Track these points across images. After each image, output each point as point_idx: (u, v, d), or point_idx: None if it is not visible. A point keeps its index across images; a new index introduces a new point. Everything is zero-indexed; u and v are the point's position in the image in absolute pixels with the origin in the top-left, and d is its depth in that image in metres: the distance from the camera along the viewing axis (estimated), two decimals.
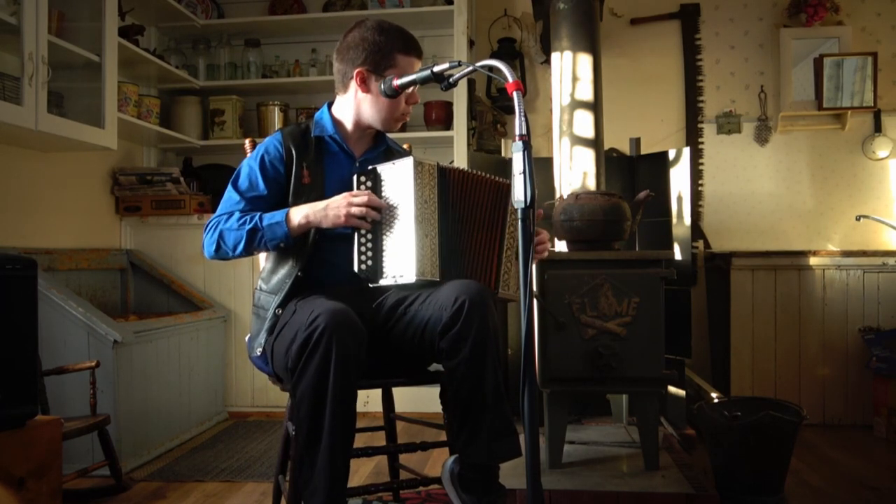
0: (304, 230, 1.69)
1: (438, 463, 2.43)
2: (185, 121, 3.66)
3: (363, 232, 1.67)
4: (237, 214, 1.71)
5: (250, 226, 1.68)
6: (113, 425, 2.43)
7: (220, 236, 1.71)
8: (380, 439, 2.23)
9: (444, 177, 1.69)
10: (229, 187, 1.78)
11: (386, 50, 1.74)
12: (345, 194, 1.66)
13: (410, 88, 1.73)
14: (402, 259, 1.64)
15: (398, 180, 1.66)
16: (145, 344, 2.78)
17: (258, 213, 1.70)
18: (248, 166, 1.78)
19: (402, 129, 3.55)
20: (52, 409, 2.31)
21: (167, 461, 2.74)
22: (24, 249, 2.69)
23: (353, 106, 1.81)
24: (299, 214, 1.67)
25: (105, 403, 2.50)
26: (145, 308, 3.38)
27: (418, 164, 1.64)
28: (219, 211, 1.77)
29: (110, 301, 3.27)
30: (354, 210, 1.63)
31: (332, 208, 1.65)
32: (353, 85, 1.79)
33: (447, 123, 3.52)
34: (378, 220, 1.66)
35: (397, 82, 1.67)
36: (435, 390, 1.68)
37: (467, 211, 1.73)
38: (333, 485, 1.45)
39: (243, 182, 1.77)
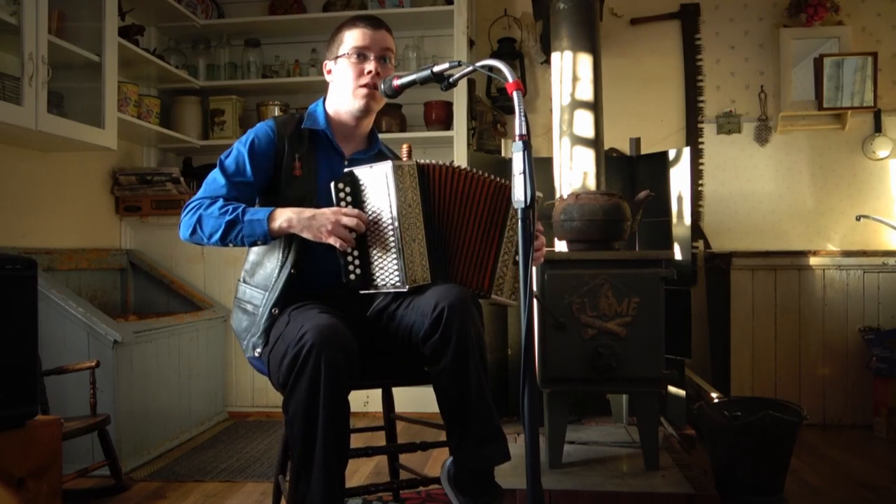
0: (284, 233, 1.63)
1: (438, 463, 2.43)
2: (185, 121, 3.65)
3: None
4: (220, 202, 1.65)
5: (230, 217, 1.61)
6: (113, 425, 2.43)
7: (199, 221, 1.64)
8: (380, 439, 2.23)
9: (426, 176, 1.65)
10: (217, 168, 1.72)
11: (335, 34, 1.83)
12: (334, 210, 1.60)
13: (369, 56, 1.76)
14: (390, 268, 1.60)
15: (377, 185, 1.60)
16: (145, 344, 2.78)
17: (242, 206, 1.63)
18: (238, 150, 1.73)
19: (402, 129, 3.55)
20: (52, 409, 2.30)
21: (167, 461, 2.74)
22: (24, 249, 2.69)
23: (331, 97, 1.85)
24: (282, 217, 1.61)
25: (105, 403, 2.50)
26: (145, 308, 3.37)
27: (397, 168, 1.59)
28: (201, 192, 1.70)
29: (110, 301, 3.27)
30: (342, 231, 1.57)
31: (318, 222, 1.58)
32: (329, 80, 1.85)
33: (447, 123, 3.52)
34: (363, 233, 1.61)
35: (397, 82, 1.67)
36: None
37: (457, 210, 1.68)
38: (329, 500, 1.45)
39: (230, 164, 1.71)
